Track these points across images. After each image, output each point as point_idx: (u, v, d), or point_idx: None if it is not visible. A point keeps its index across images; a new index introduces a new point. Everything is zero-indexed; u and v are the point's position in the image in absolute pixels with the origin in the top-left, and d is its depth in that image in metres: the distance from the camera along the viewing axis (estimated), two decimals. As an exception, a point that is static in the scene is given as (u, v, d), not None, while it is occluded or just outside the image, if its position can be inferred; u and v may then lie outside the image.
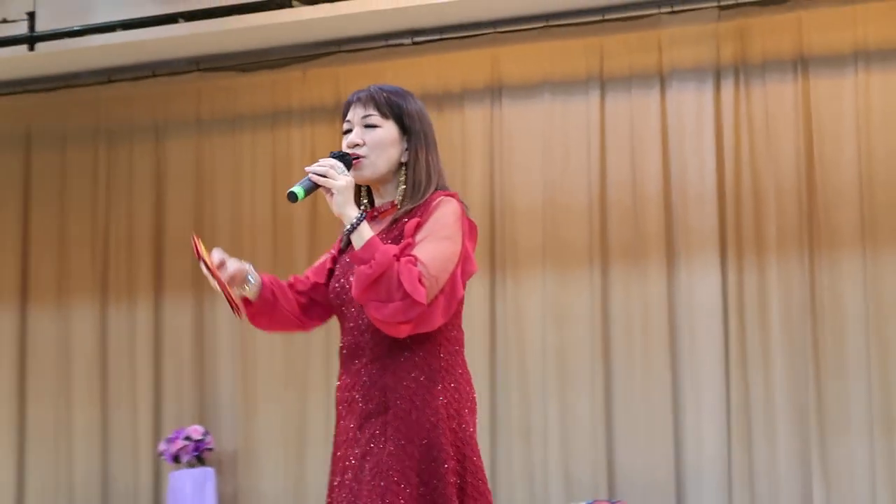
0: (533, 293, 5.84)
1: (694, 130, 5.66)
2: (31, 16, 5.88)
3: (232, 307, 3.01)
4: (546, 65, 5.90)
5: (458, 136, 6.03)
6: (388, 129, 2.99)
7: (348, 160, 2.94)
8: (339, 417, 3.03)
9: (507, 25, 5.89)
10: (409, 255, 2.84)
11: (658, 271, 5.65)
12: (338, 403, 3.03)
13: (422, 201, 2.96)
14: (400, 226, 2.97)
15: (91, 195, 6.62)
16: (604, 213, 5.78)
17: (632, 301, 5.72)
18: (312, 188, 2.89)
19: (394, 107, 3.01)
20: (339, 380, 3.02)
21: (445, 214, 2.90)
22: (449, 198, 2.94)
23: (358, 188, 2.99)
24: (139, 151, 6.56)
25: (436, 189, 2.99)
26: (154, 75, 6.40)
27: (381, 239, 2.91)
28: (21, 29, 5.92)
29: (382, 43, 6.06)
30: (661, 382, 5.58)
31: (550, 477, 5.68)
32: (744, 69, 5.64)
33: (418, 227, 2.91)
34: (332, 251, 3.18)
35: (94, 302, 6.54)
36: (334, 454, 3.04)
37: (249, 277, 3.03)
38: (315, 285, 3.15)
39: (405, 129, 3.01)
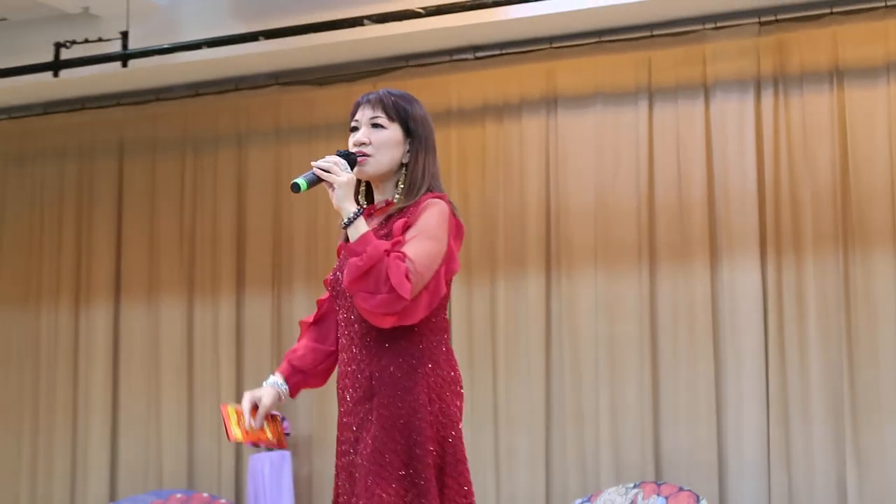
0: (586, 288, 5.89)
1: (736, 137, 5.71)
2: (125, 35, 6.02)
3: (279, 446, 3.14)
4: (598, 77, 5.98)
5: (517, 143, 6.10)
6: (394, 131, 3.06)
7: (353, 159, 3.00)
8: (338, 402, 3.09)
9: (561, 41, 5.97)
10: (399, 252, 2.89)
11: (702, 268, 5.70)
12: (337, 388, 3.09)
13: (413, 201, 3.04)
14: (391, 223, 3.03)
15: (178, 199, 6.72)
16: (652, 215, 5.83)
17: (678, 296, 5.76)
18: (315, 181, 2.95)
19: (400, 110, 3.08)
20: (339, 364, 3.11)
21: (433, 215, 2.98)
22: (437, 199, 3.02)
23: (358, 184, 3.02)
24: (223, 159, 6.65)
25: (428, 190, 3.07)
26: (237, 89, 6.53)
27: (373, 234, 2.97)
28: (115, 47, 6.05)
29: (447, 58, 6.15)
30: (704, 371, 5.64)
31: (601, 459, 5.73)
32: (782, 80, 5.68)
33: (406, 225, 2.98)
34: (339, 248, 3.21)
35: (181, 297, 6.64)
36: (337, 438, 3.10)
37: (281, 396, 3.10)
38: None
39: (409, 132, 3.09)
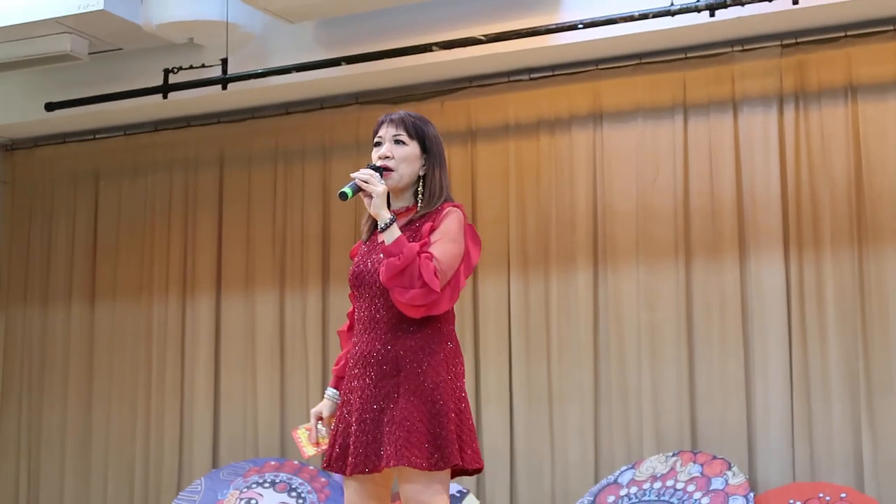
0: (628, 281, 6.01)
1: (761, 147, 5.82)
2: (224, 62, 6.23)
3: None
4: (639, 95, 6.09)
5: (567, 154, 6.23)
6: (413, 148, 3.36)
7: (381, 170, 3.30)
8: (352, 377, 3.34)
9: (606, 63, 6.11)
10: (427, 252, 3.20)
11: (732, 262, 5.82)
12: (353, 365, 3.34)
13: (434, 209, 3.34)
14: (415, 227, 3.32)
15: (271, 205, 6.91)
16: (687, 215, 5.95)
17: (710, 287, 5.86)
18: (357, 190, 3.24)
19: (419, 130, 3.39)
20: (356, 346, 3.35)
21: (453, 221, 3.30)
22: (455, 208, 3.34)
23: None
24: (309, 169, 6.82)
25: (445, 200, 3.38)
26: (321, 108, 6.71)
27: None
28: (216, 72, 6.26)
29: (505, 79, 6.29)
30: (734, 353, 5.76)
31: (644, 431, 5.87)
32: (802, 97, 5.79)
33: (432, 230, 3.28)
34: (352, 253, 3.55)
35: (273, 290, 6.82)
36: (348, 403, 3.33)
37: (336, 403, 3.43)
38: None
39: (426, 149, 3.38)
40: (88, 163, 7.43)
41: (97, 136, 7.33)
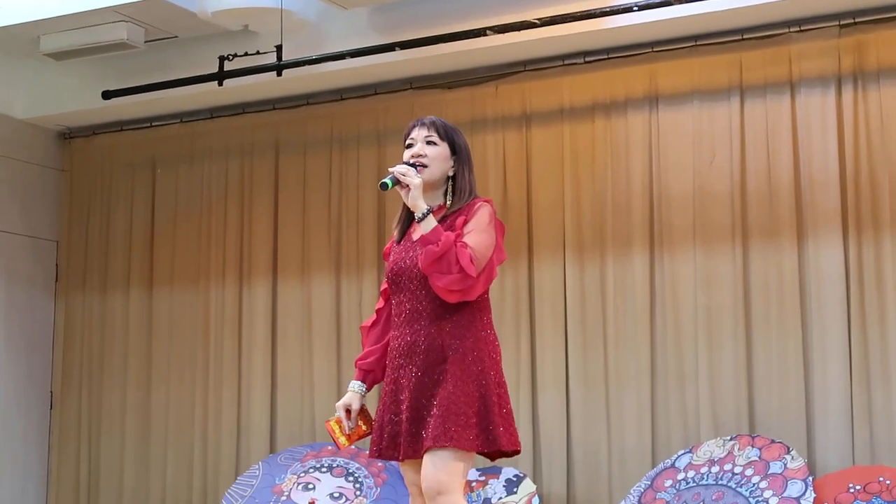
0: (685, 264, 6.01)
1: (819, 129, 5.80)
2: (279, 48, 6.24)
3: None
4: (695, 77, 6.09)
5: (623, 137, 6.23)
6: (443, 148, 3.60)
7: (415, 167, 3.54)
8: (397, 367, 3.52)
9: (662, 45, 6.11)
10: (462, 241, 3.43)
11: (790, 245, 5.82)
12: (397, 356, 3.52)
13: (465, 204, 3.57)
14: (448, 222, 3.53)
15: (326, 190, 6.93)
16: (744, 198, 5.94)
17: (768, 270, 5.85)
18: (396, 182, 3.47)
19: (449, 132, 3.63)
20: (398, 339, 3.53)
21: (484, 214, 3.52)
22: (485, 203, 3.57)
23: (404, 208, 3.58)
24: (364, 155, 6.86)
25: (475, 196, 3.62)
26: (376, 93, 6.75)
27: None
28: (271, 59, 6.29)
29: (560, 63, 6.32)
30: (793, 337, 5.75)
31: (701, 415, 5.84)
32: (861, 77, 5.76)
33: (465, 222, 3.49)
34: (386, 251, 3.74)
35: (329, 275, 6.85)
36: (393, 392, 3.51)
37: (363, 395, 3.64)
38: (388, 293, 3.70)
39: (454, 150, 3.62)
40: (145, 150, 7.51)
41: (153, 124, 7.41)
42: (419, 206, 3.46)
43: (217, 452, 7.05)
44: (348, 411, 3.64)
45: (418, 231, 3.54)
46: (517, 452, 3.54)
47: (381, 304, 3.76)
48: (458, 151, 3.62)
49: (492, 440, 3.43)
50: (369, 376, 3.69)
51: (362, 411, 3.69)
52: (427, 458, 3.42)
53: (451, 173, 3.61)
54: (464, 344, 3.48)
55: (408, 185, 3.48)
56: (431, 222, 3.44)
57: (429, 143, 3.59)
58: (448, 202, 3.60)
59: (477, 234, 3.46)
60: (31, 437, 7.47)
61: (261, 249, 7.13)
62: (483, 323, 3.55)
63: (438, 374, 3.45)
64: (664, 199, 6.15)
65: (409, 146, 3.63)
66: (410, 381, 3.47)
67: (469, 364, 3.46)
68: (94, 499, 7.39)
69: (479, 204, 3.55)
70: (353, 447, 6.17)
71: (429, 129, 3.61)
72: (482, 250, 3.44)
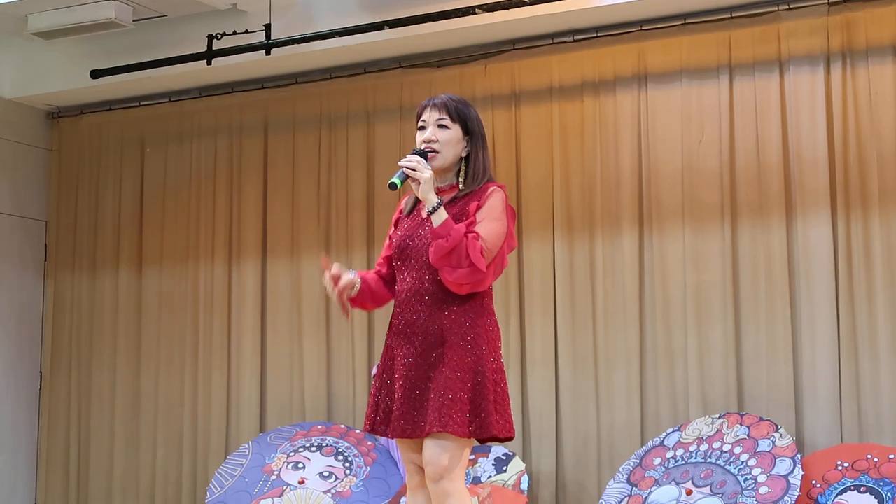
0: (674, 242, 6.02)
1: (808, 107, 5.80)
2: (268, 27, 6.25)
3: (343, 311, 3.58)
4: (684, 55, 6.08)
5: (611, 115, 6.23)
6: (455, 131, 3.54)
7: (426, 154, 3.50)
8: (395, 345, 3.53)
9: (650, 24, 6.10)
10: (474, 232, 3.39)
11: (778, 223, 5.82)
12: (395, 333, 3.53)
13: (478, 187, 3.53)
14: (461, 204, 3.50)
15: (315, 169, 6.93)
16: (733, 177, 5.94)
17: (756, 248, 5.86)
18: (405, 178, 3.43)
19: (460, 113, 3.57)
20: (399, 316, 3.53)
21: (497, 202, 3.50)
22: (498, 188, 3.53)
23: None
24: (353, 134, 6.84)
25: (488, 179, 3.58)
26: (365, 72, 6.73)
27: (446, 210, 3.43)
28: (260, 38, 6.27)
29: (548, 41, 6.29)
30: (781, 315, 5.76)
31: (690, 393, 5.87)
32: (850, 55, 5.75)
33: (478, 208, 3.46)
34: (395, 219, 3.69)
35: (318, 254, 6.61)
36: (389, 368, 3.53)
37: (356, 285, 3.57)
38: (389, 259, 3.68)
39: (467, 131, 3.56)
40: (134, 130, 7.50)
41: (142, 103, 7.40)
42: (430, 199, 3.42)
43: (207, 432, 7.05)
44: (338, 275, 3.58)
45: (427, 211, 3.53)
46: (510, 438, 3.55)
47: (380, 261, 3.75)
48: (472, 131, 3.57)
49: (485, 427, 3.43)
50: (365, 281, 3.63)
51: (345, 286, 3.61)
52: (428, 443, 3.44)
53: (464, 154, 3.57)
54: (463, 328, 3.47)
55: (418, 180, 3.45)
56: (442, 215, 3.41)
57: (440, 126, 3.55)
58: (461, 182, 3.56)
59: (489, 222, 3.44)
60: (21, 417, 7.48)
61: (250, 229, 7.12)
62: (484, 307, 3.53)
63: (435, 357, 3.45)
64: (653, 178, 6.15)
65: (422, 128, 3.58)
66: (407, 361, 3.48)
67: (467, 349, 3.45)
68: (83, 479, 7.39)
69: (492, 188, 3.52)
70: (342, 426, 6.34)
71: (440, 110, 3.55)
72: (493, 240, 3.42)
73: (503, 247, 3.47)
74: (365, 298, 3.66)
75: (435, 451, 3.41)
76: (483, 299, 3.52)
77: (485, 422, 3.42)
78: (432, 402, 3.39)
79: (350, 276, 3.59)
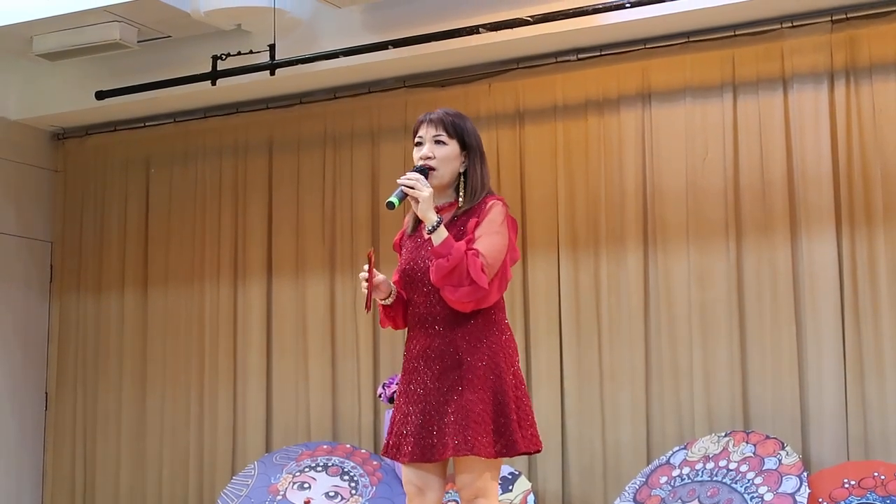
0: (679, 260, 6.02)
1: (812, 124, 5.81)
2: (272, 47, 6.22)
3: (366, 301, 3.46)
4: (687, 73, 6.10)
5: (616, 133, 6.24)
6: (453, 147, 3.48)
7: (426, 171, 3.44)
8: (412, 371, 3.48)
9: (654, 42, 6.13)
10: (474, 249, 3.35)
11: (783, 241, 5.82)
12: (412, 359, 3.49)
13: (476, 203, 3.47)
14: (460, 221, 3.45)
15: (320, 189, 6.95)
16: (737, 194, 5.94)
17: (761, 266, 5.85)
18: (403, 197, 3.37)
19: (457, 128, 3.51)
20: (413, 341, 3.49)
21: (496, 215, 3.44)
22: (497, 201, 3.48)
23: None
24: (357, 154, 6.87)
25: (487, 194, 3.52)
26: (370, 91, 6.76)
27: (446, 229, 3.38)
28: (264, 58, 6.28)
29: (553, 60, 6.32)
30: (787, 332, 5.76)
31: (696, 411, 5.86)
32: (853, 72, 5.77)
33: (477, 224, 3.42)
34: (395, 242, 3.66)
35: (324, 274, 6.86)
36: (407, 393, 3.48)
37: (392, 293, 3.51)
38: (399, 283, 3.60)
39: (465, 146, 3.51)
40: (139, 150, 7.52)
41: (147, 124, 7.42)
42: (429, 217, 3.37)
43: (213, 452, 7.06)
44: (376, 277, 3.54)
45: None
46: (538, 451, 3.53)
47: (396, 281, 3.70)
48: (469, 146, 3.52)
49: (510, 446, 3.42)
50: (400, 297, 3.58)
51: (381, 286, 3.55)
52: (459, 467, 3.43)
53: (462, 170, 3.52)
54: (479, 349, 3.44)
55: (417, 199, 3.40)
56: (442, 234, 3.37)
57: (437, 142, 3.50)
58: (460, 198, 3.52)
59: (488, 237, 3.41)
60: (27, 437, 7.50)
61: (255, 249, 7.14)
62: (498, 324, 3.51)
63: (453, 380, 3.42)
64: (657, 196, 6.16)
65: (419, 144, 3.54)
66: (425, 386, 3.46)
67: (485, 370, 3.42)
68: (89, 499, 7.40)
69: (490, 202, 3.48)
70: (348, 445, 6.36)
71: (436, 126, 3.51)
72: (494, 254, 3.39)
73: (505, 260, 3.44)
74: (398, 312, 3.61)
75: (466, 476, 3.42)
76: (494, 315, 3.49)
77: (510, 440, 3.40)
78: (453, 425, 3.37)
79: (388, 283, 3.56)
